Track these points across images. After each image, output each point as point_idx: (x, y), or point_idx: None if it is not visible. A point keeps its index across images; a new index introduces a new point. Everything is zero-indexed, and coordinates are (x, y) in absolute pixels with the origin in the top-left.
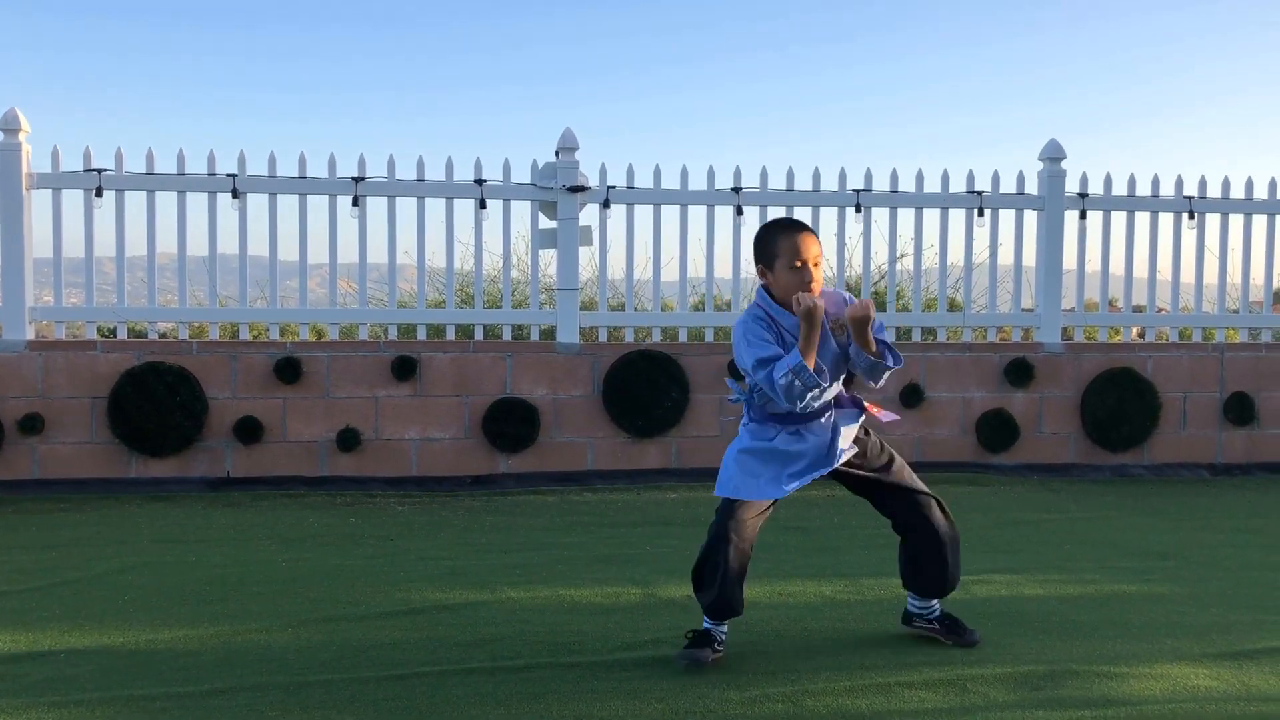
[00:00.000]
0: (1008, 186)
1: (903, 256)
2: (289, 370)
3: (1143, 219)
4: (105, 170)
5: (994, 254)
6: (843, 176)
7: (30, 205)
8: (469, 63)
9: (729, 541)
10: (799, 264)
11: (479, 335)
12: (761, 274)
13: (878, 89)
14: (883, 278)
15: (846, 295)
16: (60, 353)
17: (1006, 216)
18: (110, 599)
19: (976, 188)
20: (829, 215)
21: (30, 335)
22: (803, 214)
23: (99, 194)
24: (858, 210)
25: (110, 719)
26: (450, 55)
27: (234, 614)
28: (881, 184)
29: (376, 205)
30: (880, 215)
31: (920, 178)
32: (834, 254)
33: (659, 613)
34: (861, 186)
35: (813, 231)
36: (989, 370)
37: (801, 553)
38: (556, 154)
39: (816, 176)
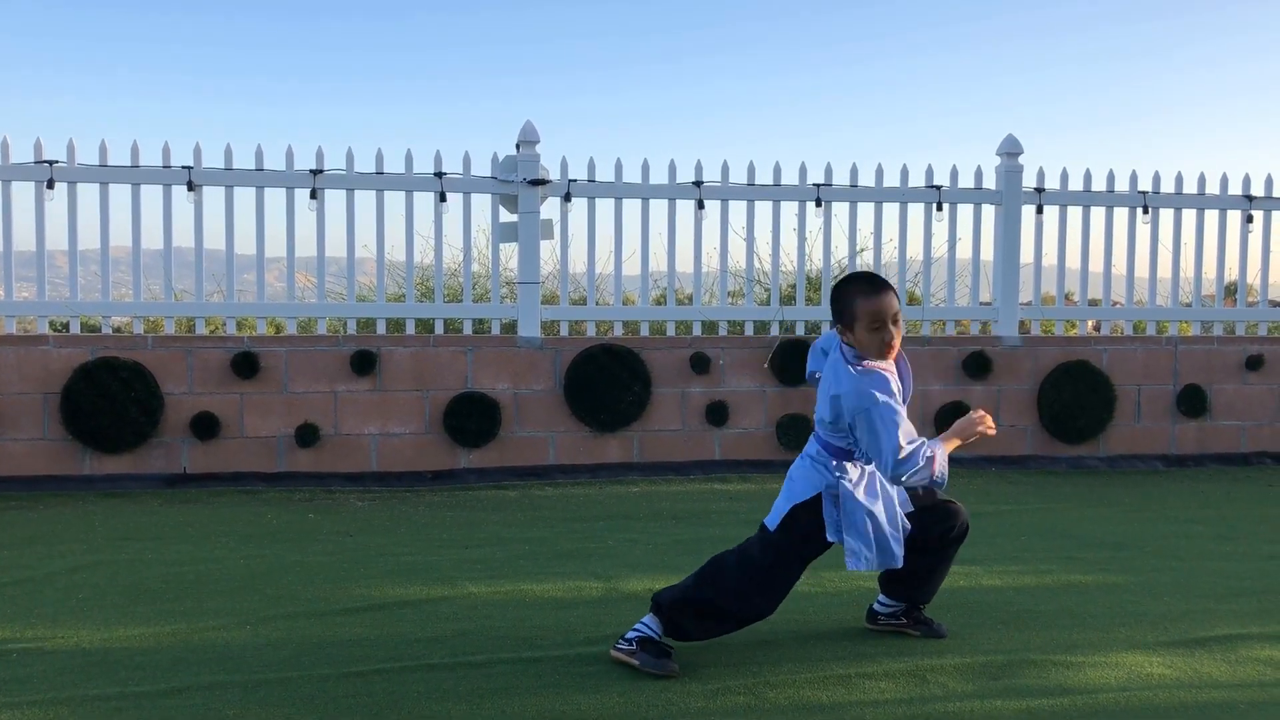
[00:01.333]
0: (966, 181)
1: (863, 250)
2: (246, 365)
3: (1098, 214)
4: (57, 162)
5: (952, 248)
6: (803, 171)
7: None
8: (430, 55)
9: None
10: (878, 325)
11: (439, 329)
12: (841, 332)
13: (842, 92)
14: (843, 271)
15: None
16: (11, 348)
17: (965, 211)
18: (64, 598)
19: (935, 182)
20: (789, 209)
21: None
22: (764, 208)
23: (50, 186)
24: (818, 204)
25: None
26: (412, 47)
27: (191, 612)
28: (842, 179)
29: (335, 198)
30: (840, 209)
31: (880, 172)
32: (795, 248)
33: (620, 607)
34: (822, 181)
35: (891, 288)
36: (947, 363)
37: None
38: (517, 147)
39: (777, 171)
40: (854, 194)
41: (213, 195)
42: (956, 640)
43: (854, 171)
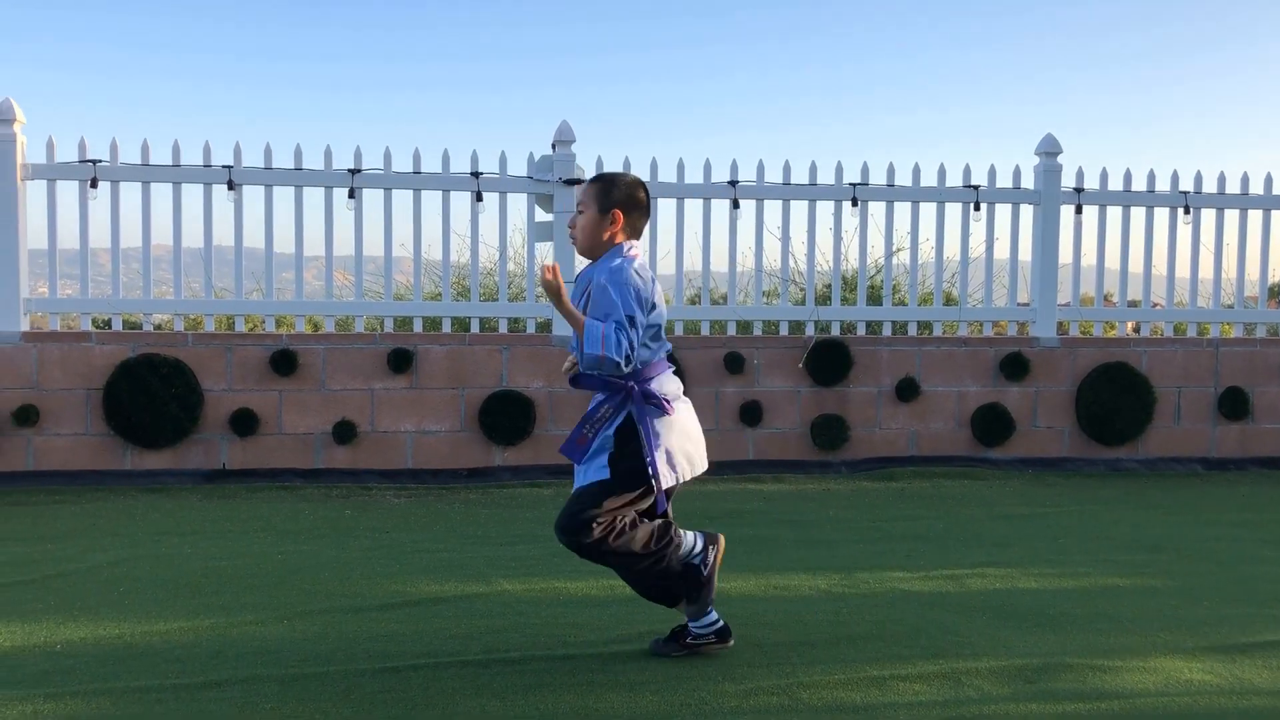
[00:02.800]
0: (1004, 181)
1: (899, 250)
2: (285, 362)
3: (1139, 214)
4: (100, 161)
5: (990, 248)
6: (839, 170)
7: (25, 196)
8: (470, 56)
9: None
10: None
11: (475, 328)
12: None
13: (878, 85)
14: (879, 271)
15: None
16: (55, 344)
17: (1003, 211)
18: (105, 591)
19: (973, 182)
20: (825, 209)
21: (25, 327)
22: (799, 207)
23: (94, 185)
24: (854, 204)
25: (106, 711)
26: (450, 49)
27: (229, 606)
28: (878, 178)
29: (373, 197)
30: (877, 209)
31: (916, 172)
32: (830, 248)
33: (654, 606)
34: (858, 180)
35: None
36: (984, 364)
37: (795, 546)
38: (553, 146)
39: (813, 170)
40: (890, 193)
41: (252, 194)
42: (992, 642)
43: (890, 171)
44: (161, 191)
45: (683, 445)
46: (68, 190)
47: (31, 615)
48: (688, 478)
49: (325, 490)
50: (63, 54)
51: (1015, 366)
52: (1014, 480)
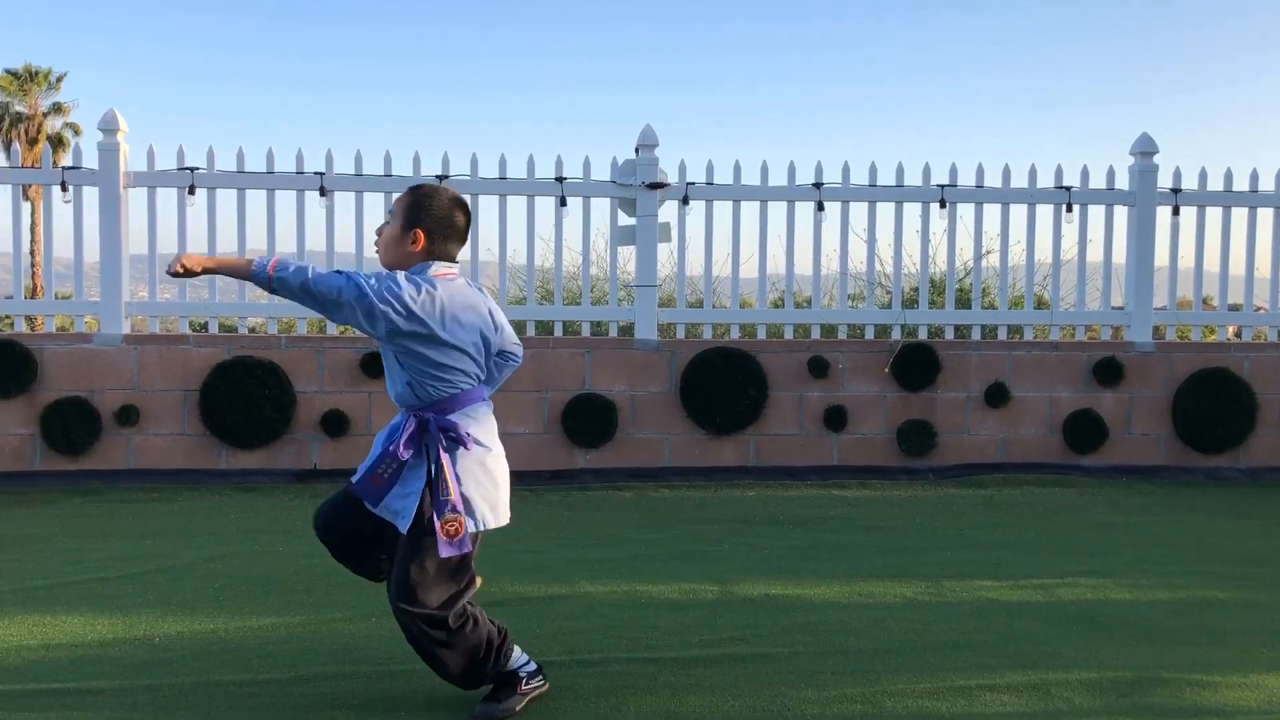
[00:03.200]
0: (1097, 182)
1: (989, 252)
2: (374, 364)
3: (1240, 215)
4: (198, 169)
5: (1083, 250)
6: (927, 172)
7: (127, 203)
8: (551, 63)
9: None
10: None
11: (558, 331)
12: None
13: (966, 86)
14: (967, 274)
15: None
16: (154, 346)
17: (1096, 212)
18: (201, 586)
19: (1065, 183)
20: (913, 211)
21: (126, 329)
22: (885, 209)
23: (191, 191)
24: (942, 206)
25: (201, 703)
26: (532, 55)
27: (318, 604)
28: (967, 179)
29: None
30: (965, 211)
31: (1007, 173)
32: (917, 250)
33: (736, 611)
34: (946, 182)
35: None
36: (1076, 369)
37: (880, 553)
38: (636, 151)
39: (900, 172)
40: (979, 195)
41: (343, 200)
42: (1083, 654)
43: (979, 172)
44: (256, 197)
45: (484, 491)
46: (166, 196)
47: (133, 609)
48: (489, 527)
49: None
50: (161, 57)
51: (1109, 372)
52: (1107, 489)
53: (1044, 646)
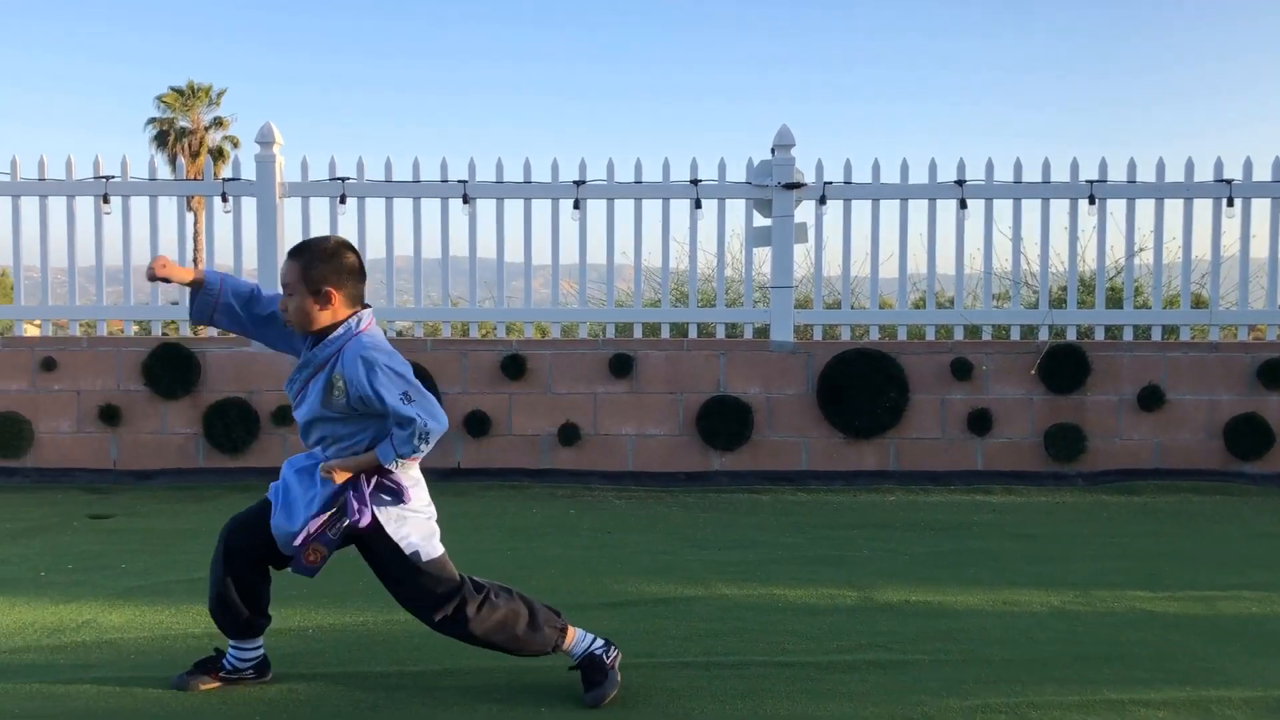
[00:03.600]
0: (1262, 174)
1: (1141, 250)
2: (514, 367)
3: None
4: (348, 179)
5: (1245, 246)
6: (1075, 167)
7: (283, 212)
8: (686, 67)
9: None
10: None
11: (693, 333)
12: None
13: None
14: (1119, 273)
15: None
16: None
17: (1260, 206)
18: (350, 580)
19: (1225, 175)
20: (1060, 208)
21: None
22: (1031, 206)
23: (342, 201)
24: (1091, 202)
25: (351, 693)
26: (666, 60)
27: None
28: (1118, 174)
29: (596, 207)
30: (1116, 207)
31: (1161, 166)
32: (1065, 249)
33: (876, 617)
34: (1096, 177)
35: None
36: (1239, 371)
37: (1027, 560)
38: (772, 151)
39: (1046, 167)
40: (1131, 190)
41: (484, 207)
42: (1247, 671)
43: (1131, 166)
44: (402, 205)
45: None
46: (318, 205)
47: (287, 601)
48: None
49: (551, 490)
50: (313, 67)
51: (1275, 374)
52: (1273, 497)
53: (1203, 662)
